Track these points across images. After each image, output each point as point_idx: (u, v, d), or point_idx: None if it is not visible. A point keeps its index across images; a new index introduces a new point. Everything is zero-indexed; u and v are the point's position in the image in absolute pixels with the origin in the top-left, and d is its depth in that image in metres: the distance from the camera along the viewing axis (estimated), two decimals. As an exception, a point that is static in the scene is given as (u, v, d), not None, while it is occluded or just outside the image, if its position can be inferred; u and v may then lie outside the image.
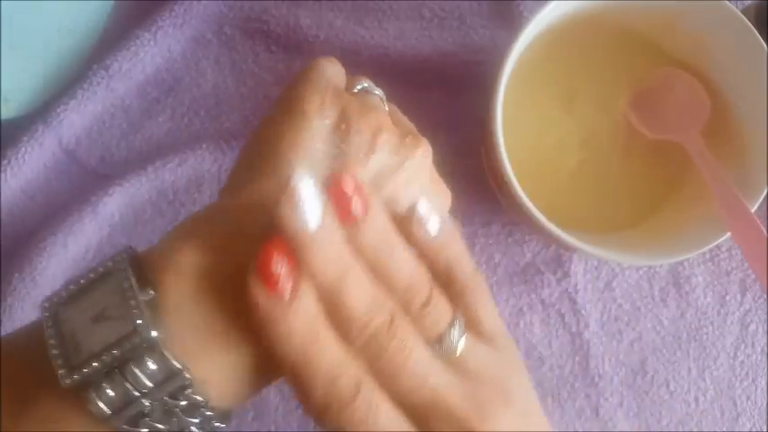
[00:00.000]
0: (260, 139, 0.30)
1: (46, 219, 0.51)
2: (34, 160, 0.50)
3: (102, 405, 0.22)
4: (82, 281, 0.24)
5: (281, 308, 0.23)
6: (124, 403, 0.23)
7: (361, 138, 0.29)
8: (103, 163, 0.52)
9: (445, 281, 0.28)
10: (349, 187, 0.25)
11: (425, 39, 0.54)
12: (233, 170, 0.31)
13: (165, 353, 0.23)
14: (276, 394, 0.49)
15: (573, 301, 0.52)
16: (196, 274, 0.24)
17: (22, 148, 0.49)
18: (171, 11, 0.52)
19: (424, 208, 0.28)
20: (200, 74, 0.54)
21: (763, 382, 0.53)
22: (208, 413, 0.24)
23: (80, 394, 0.22)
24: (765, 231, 0.42)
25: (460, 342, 0.27)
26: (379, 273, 0.26)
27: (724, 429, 0.52)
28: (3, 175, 0.49)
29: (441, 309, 0.27)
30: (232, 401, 0.26)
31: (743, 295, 0.54)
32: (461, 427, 0.25)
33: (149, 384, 0.23)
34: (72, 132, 0.52)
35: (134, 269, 0.24)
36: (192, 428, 0.24)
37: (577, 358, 0.52)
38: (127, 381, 0.22)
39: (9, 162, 0.49)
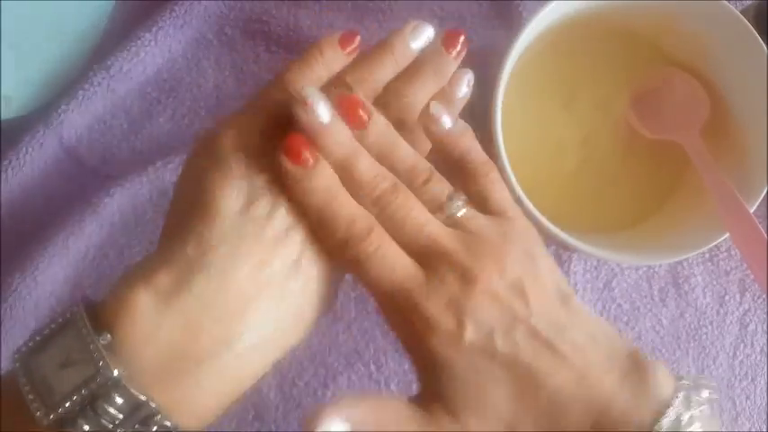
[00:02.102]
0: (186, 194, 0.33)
1: (47, 219, 0.51)
2: (35, 160, 0.50)
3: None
4: (45, 331, 0.27)
5: (305, 171, 0.29)
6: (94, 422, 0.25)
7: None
8: (104, 163, 0.52)
9: (459, 168, 0.34)
10: (353, 100, 0.31)
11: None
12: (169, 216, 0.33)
13: (129, 388, 0.26)
14: (277, 394, 0.49)
15: (572, 301, 0.52)
16: (146, 315, 0.27)
17: (24, 148, 0.49)
18: (171, 11, 0.51)
19: (436, 108, 0.33)
20: (201, 74, 0.53)
21: (763, 382, 0.52)
22: None
23: (61, 430, 0.25)
24: (764, 232, 0.41)
25: (461, 211, 0.32)
26: (383, 161, 0.32)
27: (723, 429, 0.51)
28: (4, 174, 0.49)
29: (440, 186, 0.32)
30: (201, 423, 0.28)
31: (742, 295, 0.53)
32: (456, 265, 0.30)
33: (119, 416, 0.25)
34: (73, 132, 0.51)
35: (90, 317, 0.27)
36: None
37: (577, 358, 0.51)
38: (98, 415, 0.25)
39: (10, 162, 0.49)
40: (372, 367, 0.50)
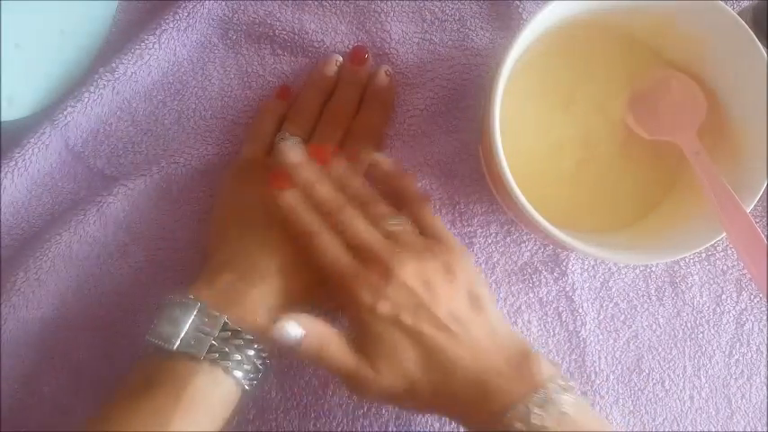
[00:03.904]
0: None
1: (51, 219, 0.50)
2: (41, 161, 0.49)
3: (192, 348, 0.39)
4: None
5: (283, 192, 0.43)
6: (199, 341, 0.39)
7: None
8: (110, 164, 0.51)
9: (400, 201, 0.46)
10: (321, 149, 0.46)
11: (426, 41, 0.53)
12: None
13: (210, 310, 0.40)
14: (277, 392, 0.48)
15: (570, 300, 0.51)
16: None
17: (29, 150, 0.48)
18: (174, 14, 0.51)
19: (377, 156, 0.47)
20: (207, 77, 0.53)
21: (758, 381, 0.52)
22: (255, 345, 0.41)
23: (185, 351, 0.39)
24: (760, 231, 0.41)
25: (396, 227, 0.43)
26: (340, 189, 0.44)
27: (719, 427, 0.51)
28: (9, 175, 0.48)
29: (382, 208, 0.44)
30: (264, 333, 0.40)
31: (738, 294, 0.52)
32: (381, 262, 0.40)
33: (208, 329, 0.40)
34: (78, 134, 0.51)
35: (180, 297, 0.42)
36: (251, 356, 0.41)
37: (574, 356, 0.51)
38: (199, 331, 0.40)
39: (16, 163, 0.48)
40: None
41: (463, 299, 0.41)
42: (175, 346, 0.39)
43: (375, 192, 0.46)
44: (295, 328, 0.38)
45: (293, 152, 0.45)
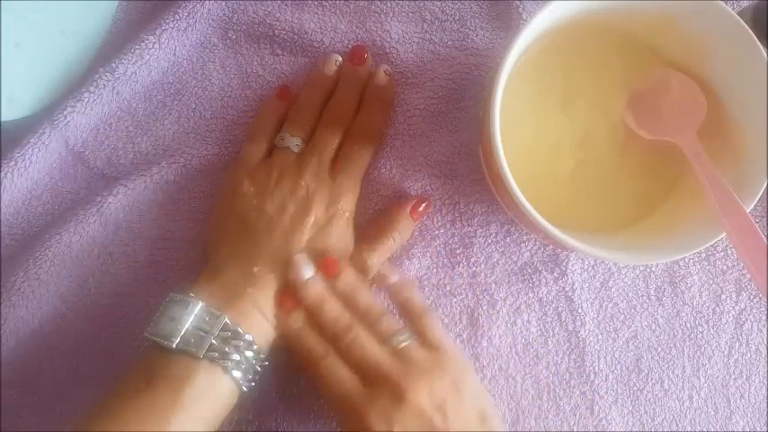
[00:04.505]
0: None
1: (51, 219, 0.50)
2: (41, 161, 0.49)
3: (192, 347, 0.39)
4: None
5: (290, 316, 0.44)
6: (199, 340, 0.39)
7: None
8: (109, 164, 0.51)
9: (403, 312, 0.46)
10: (330, 263, 0.45)
11: (426, 41, 0.52)
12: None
13: (210, 309, 0.41)
14: (277, 392, 0.48)
15: (570, 300, 0.51)
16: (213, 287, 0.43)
17: (29, 150, 0.48)
18: (174, 14, 0.50)
19: (384, 268, 0.48)
20: (206, 77, 0.53)
21: (757, 381, 0.51)
22: (254, 346, 0.41)
23: (184, 348, 0.39)
24: (761, 231, 0.41)
25: (403, 344, 0.42)
26: (348, 306, 0.44)
27: (718, 427, 0.51)
28: (9, 175, 0.48)
29: (389, 324, 0.43)
30: (263, 335, 0.42)
31: (738, 294, 0.52)
32: (391, 384, 0.40)
33: (208, 328, 0.40)
34: (78, 134, 0.50)
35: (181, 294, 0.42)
36: (250, 357, 0.41)
37: (573, 356, 0.50)
38: (198, 329, 0.40)
39: (16, 163, 0.48)
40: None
41: (474, 420, 0.41)
42: (175, 344, 0.39)
43: (382, 307, 0.45)
44: (309, 270, 0.43)
45: (302, 269, 0.44)
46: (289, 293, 0.44)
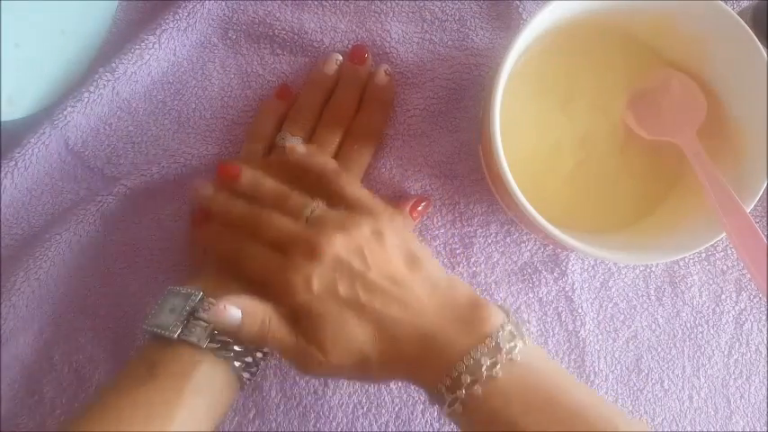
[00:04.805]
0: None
1: (52, 219, 0.50)
2: (41, 161, 0.49)
3: (193, 337, 0.39)
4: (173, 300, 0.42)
5: (201, 231, 0.46)
6: (200, 331, 0.39)
7: None
8: (110, 164, 0.51)
9: (318, 181, 0.45)
10: (226, 168, 0.45)
11: (426, 41, 0.52)
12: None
13: (210, 299, 0.40)
14: (278, 392, 0.48)
15: (570, 300, 0.51)
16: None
17: (29, 150, 0.48)
18: (174, 14, 0.50)
19: (291, 141, 0.47)
20: (206, 77, 0.52)
21: (757, 381, 0.51)
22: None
23: (184, 339, 0.39)
24: (761, 231, 0.41)
25: (314, 213, 0.42)
26: (256, 193, 0.44)
27: (717, 427, 0.51)
28: (9, 175, 0.48)
29: (298, 200, 0.43)
30: None
31: (738, 294, 0.52)
32: (303, 243, 0.39)
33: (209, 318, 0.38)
34: (79, 134, 0.50)
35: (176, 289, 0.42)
36: (251, 348, 0.41)
37: (573, 356, 0.50)
38: (199, 318, 0.39)
39: (16, 163, 0.48)
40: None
41: (398, 260, 0.40)
42: (176, 335, 0.39)
43: (286, 186, 0.44)
44: (234, 312, 0.37)
45: (202, 188, 0.45)
46: (200, 213, 0.47)
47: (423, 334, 0.38)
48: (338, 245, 0.39)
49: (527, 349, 0.37)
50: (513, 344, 0.37)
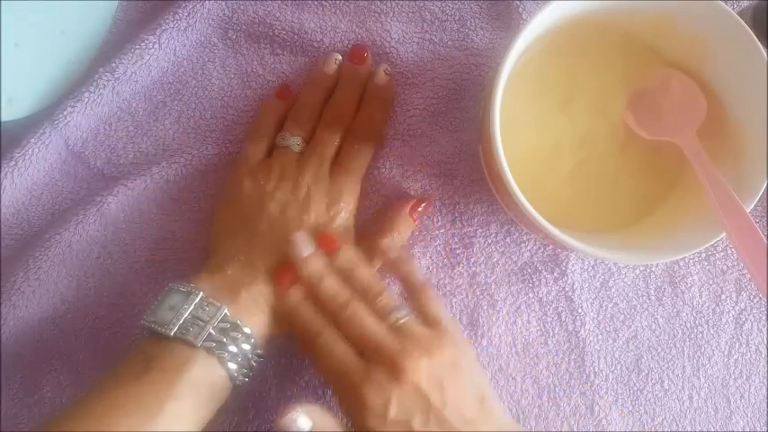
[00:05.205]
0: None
1: (52, 219, 0.50)
2: (41, 161, 0.49)
3: (189, 335, 0.39)
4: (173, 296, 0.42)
5: (288, 292, 0.43)
6: (197, 329, 0.39)
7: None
8: (110, 164, 0.51)
9: (404, 288, 0.45)
10: (328, 239, 0.45)
11: (426, 41, 0.52)
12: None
13: (210, 300, 0.40)
14: (277, 392, 0.48)
15: (569, 300, 0.51)
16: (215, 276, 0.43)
17: (29, 150, 0.48)
18: (174, 14, 0.50)
19: (384, 243, 0.46)
20: (206, 77, 0.52)
21: (757, 381, 0.51)
22: (252, 339, 0.41)
23: (182, 337, 0.39)
24: (761, 231, 0.40)
25: (402, 320, 0.41)
26: (347, 282, 0.43)
27: (718, 427, 0.51)
28: (9, 175, 0.48)
29: (388, 300, 0.42)
30: (261, 328, 0.42)
31: (738, 294, 0.52)
32: (389, 359, 0.39)
33: (207, 318, 0.40)
34: (79, 134, 0.50)
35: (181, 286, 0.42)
36: (246, 350, 0.40)
37: (573, 356, 0.50)
38: (197, 318, 0.39)
39: (16, 163, 0.48)
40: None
41: (472, 398, 0.40)
42: (173, 332, 0.39)
43: (381, 282, 0.44)
44: (305, 423, 0.37)
45: (302, 246, 0.43)
46: (286, 268, 0.43)
47: None
48: (422, 372, 0.39)
49: None
50: None
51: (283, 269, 0.43)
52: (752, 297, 0.52)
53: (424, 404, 0.38)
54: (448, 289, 0.50)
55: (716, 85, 0.45)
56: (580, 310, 0.50)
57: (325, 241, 0.44)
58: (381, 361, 0.39)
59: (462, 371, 0.41)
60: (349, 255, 0.45)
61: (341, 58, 0.51)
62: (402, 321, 0.41)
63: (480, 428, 0.39)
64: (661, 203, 0.48)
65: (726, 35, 0.43)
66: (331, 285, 0.43)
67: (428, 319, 0.42)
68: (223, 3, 0.52)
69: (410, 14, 0.53)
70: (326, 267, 0.44)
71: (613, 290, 0.51)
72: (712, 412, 0.51)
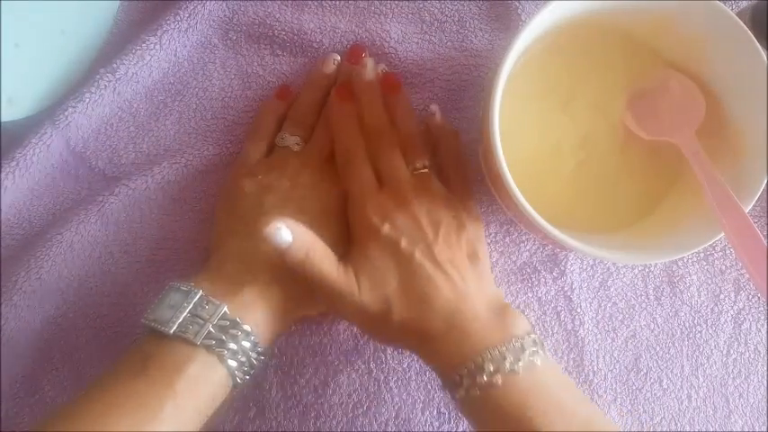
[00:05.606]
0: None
1: (53, 219, 0.50)
2: (42, 161, 0.49)
3: (189, 333, 0.38)
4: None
5: (341, 106, 0.49)
6: (197, 327, 0.39)
7: None
8: (111, 165, 0.51)
9: (442, 153, 0.49)
10: (392, 77, 0.51)
11: (426, 42, 0.52)
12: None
13: (210, 298, 0.40)
14: (278, 391, 0.48)
15: (569, 300, 0.51)
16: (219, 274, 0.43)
17: (30, 150, 0.48)
18: (175, 15, 0.50)
19: (433, 108, 0.49)
20: (207, 78, 0.52)
21: (756, 380, 0.51)
22: (252, 336, 0.40)
23: (181, 335, 0.39)
24: (759, 232, 0.40)
25: (424, 170, 0.46)
26: (388, 110, 0.49)
27: (716, 426, 0.51)
28: (11, 175, 0.48)
29: (420, 148, 0.47)
30: (262, 327, 0.41)
31: (737, 294, 0.52)
32: (399, 192, 0.43)
33: (207, 316, 0.39)
34: (80, 135, 0.50)
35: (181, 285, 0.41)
36: (247, 348, 0.40)
37: (572, 355, 0.50)
38: (197, 316, 0.39)
39: (17, 163, 0.48)
40: (372, 365, 0.49)
41: (462, 251, 0.43)
42: (172, 330, 0.39)
43: (420, 130, 0.48)
44: (286, 234, 0.38)
45: (372, 71, 0.49)
46: (347, 89, 0.49)
47: (454, 315, 0.40)
48: (423, 209, 0.43)
49: (546, 360, 0.39)
50: (535, 349, 0.39)
51: (345, 85, 0.49)
52: (750, 297, 0.52)
53: (417, 233, 0.42)
54: (448, 289, 0.50)
55: (715, 86, 0.45)
56: (579, 310, 0.50)
57: (389, 79, 0.50)
58: (394, 189, 0.44)
59: (465, 229, 0.44)
60: (405, 101, 0.50)
61: (339, 58, 0.51)
62: (423, 171, 0.46)
63: (465, 274, 0.42)
64: (660, 203, 0.48)
65: (725, 36, 0.43)
66: (377, 115, 0.48)
67: (452, 187, 0.46)
68: (224, 4, 0.52)
69: (410, 15, 0.53)
70: (378, 99, 0.48)
71: (612, 289, 0.51)
72: (711, 411, 0.51)
